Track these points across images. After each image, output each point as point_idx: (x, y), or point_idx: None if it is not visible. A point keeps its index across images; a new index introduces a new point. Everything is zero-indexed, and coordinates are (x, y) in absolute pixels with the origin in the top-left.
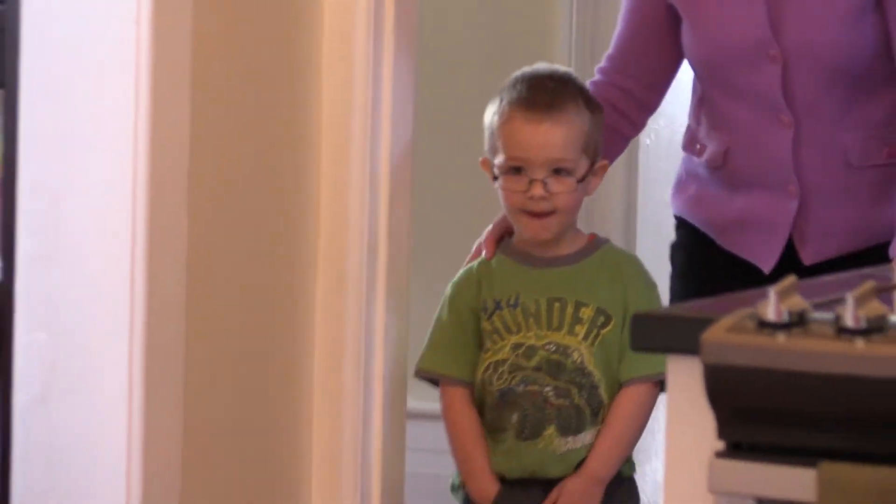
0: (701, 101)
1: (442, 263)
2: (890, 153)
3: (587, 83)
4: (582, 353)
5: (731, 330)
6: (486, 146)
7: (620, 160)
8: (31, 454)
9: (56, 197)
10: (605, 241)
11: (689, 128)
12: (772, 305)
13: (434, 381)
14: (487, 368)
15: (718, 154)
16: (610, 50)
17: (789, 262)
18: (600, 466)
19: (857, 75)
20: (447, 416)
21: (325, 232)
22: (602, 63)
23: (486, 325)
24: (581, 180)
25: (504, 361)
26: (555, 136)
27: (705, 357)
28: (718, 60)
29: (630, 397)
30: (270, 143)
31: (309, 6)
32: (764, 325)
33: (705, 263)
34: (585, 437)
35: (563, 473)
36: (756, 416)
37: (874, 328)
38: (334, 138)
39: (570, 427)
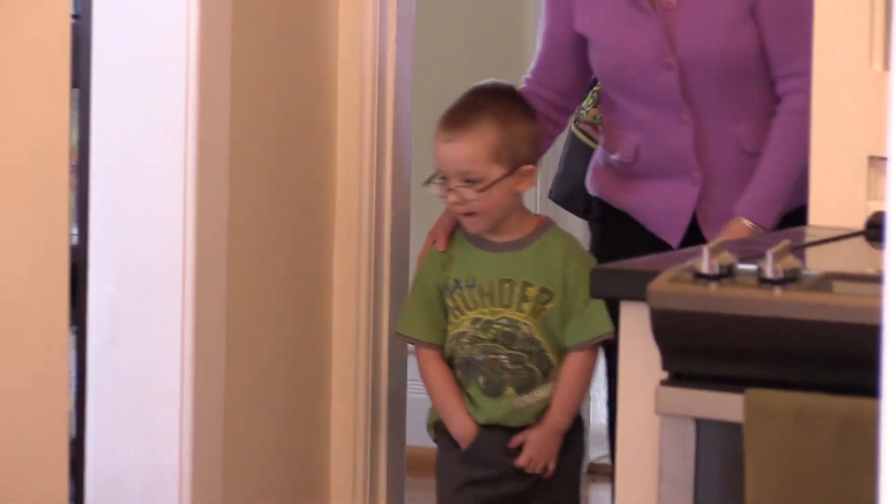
0: (610, 109)
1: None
2: None
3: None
4: (529, 325)
5: (672, 281)
6: None
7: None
8: (103, 387)
9: (121, 177)
10: (551, 225)
11: (603, 131)
12: (705, 260)
13: (409, 342)
14: (451, 339)
15: (629, 151)
16: (532, 65)
17: (694, 238)
18: (557, 420)
19: (742, 75)
20: (424, 371)
21: (340, 206)
22: (527, 75)
23: (448, 301)
24: (486, 188)
25: (465, 334)
26: (462, 151)
27: (651, 303)
28: (624, 73)
29: (575, 362)
30: (296, 126)
31: (326, 12)
32: (699, 276)
33: (620, 237)
34: (538, 393)
35: (522, 423)
36: (694, 352)
37: (789, 278)
38: (348, 119)
39: (525, 387)
